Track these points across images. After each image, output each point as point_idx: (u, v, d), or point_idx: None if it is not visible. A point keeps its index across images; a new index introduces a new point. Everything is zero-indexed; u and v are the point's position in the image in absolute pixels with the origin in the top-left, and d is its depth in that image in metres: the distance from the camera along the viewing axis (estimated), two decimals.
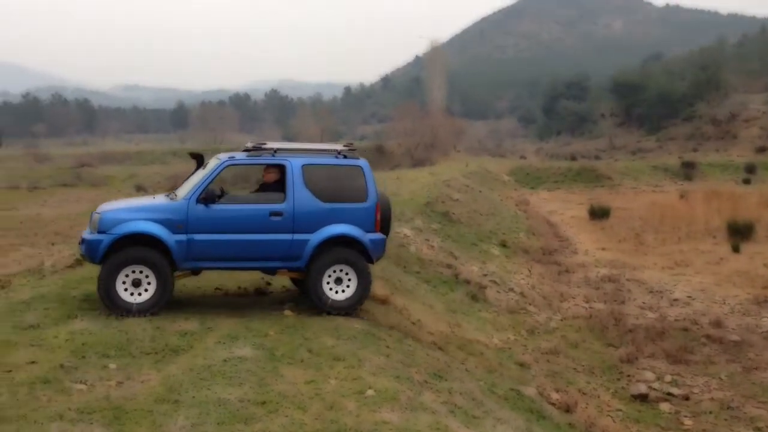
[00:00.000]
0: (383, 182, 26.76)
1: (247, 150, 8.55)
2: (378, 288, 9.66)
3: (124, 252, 7.72)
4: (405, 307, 10.04)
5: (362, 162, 8.58)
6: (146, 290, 7.78)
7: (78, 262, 10.53)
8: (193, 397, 5.37)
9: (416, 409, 5.68)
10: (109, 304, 7.66)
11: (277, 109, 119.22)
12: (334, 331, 7.57)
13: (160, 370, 5.99)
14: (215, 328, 7.39)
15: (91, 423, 4.73)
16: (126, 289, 7.71)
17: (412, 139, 53.41)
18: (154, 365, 6.14)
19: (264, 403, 5.35)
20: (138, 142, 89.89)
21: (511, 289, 14.04)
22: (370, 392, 5.86)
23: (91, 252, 7.79)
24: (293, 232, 8.17)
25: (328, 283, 8.31)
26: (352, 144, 9.05)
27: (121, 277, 7.69)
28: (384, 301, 9.61)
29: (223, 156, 8.50)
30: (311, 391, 5.75)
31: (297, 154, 8.54)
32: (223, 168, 8.23)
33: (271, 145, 8.62)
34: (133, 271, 7.73)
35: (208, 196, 7.95)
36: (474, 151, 63.83)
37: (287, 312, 8.24)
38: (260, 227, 8.11)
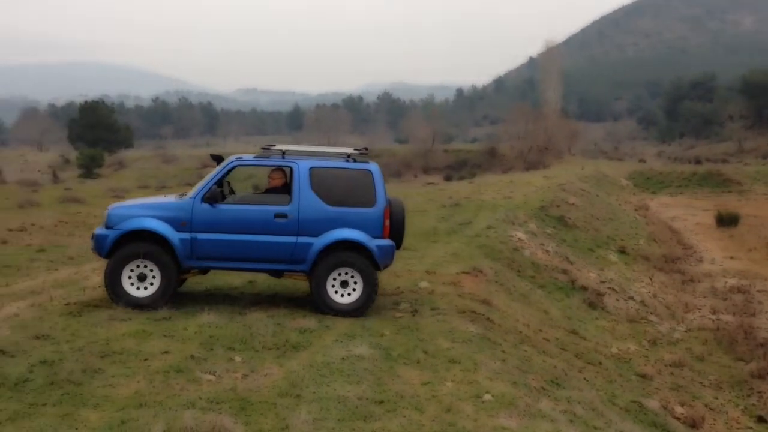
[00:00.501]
0: (496, 186, 26.57)
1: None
2: (480, 289, 9.59)
3: (129, 247, 7.91)
4: (519, 312, 9.90)
5: (372, 166, 8.36)
6: (151, 284, 7.95)
7: None
8: (314, 392, 5.52)
9: (535, 417, 5.59)
10: (113, 297, 7.91)
11: (389, 112, 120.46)
12: (448, 333, 7.57)
13: (282, 365, 6.20)
14: (332, 326, 7.57)
15: (220, 412, 4.96)
16: (132, 284, 7.91)
17: (525, 141, 52.61)
18: (276, 360, 6.36)
19: (382, 402, 5.43)
20: (256, 144, 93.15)
21: (631, 298, 13.56)
22: (487, 396, 5.82)
23: (98, 246, 8.05)
24: (297, 234, 8.08)
25: (333, 286, 8.14)
26: (366, 148, 8.89)
27: (126, 272, 7.90)
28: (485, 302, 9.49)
29: (233, 157, 8.55)
30: (428, 392, 5.78)
31: (305, 156, 8.47)
32: (230, 168, 8.31)
33: (281, 147, 8.59)
34: (138, 266, 7.93)
35: (212, 195, 8.02)
36: (590, 154, 62.09)
37: (400, 313, 8.32)
38: (264, 229, 8.06)
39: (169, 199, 8.56)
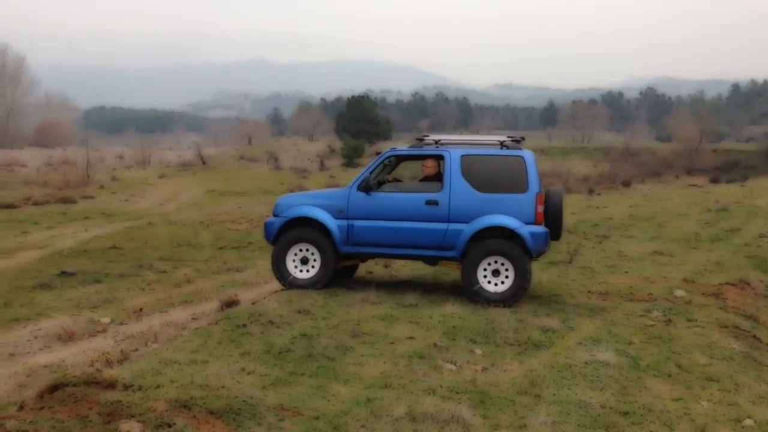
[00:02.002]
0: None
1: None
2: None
3: (293, 232, 8.58)
4: None
5: (525, 153, 8.26)
6: (313, 267, 8.48)
7: None
8: (554, 394, 5.39)
9: None
10: (279, 276, 8.67)
11: (652, 108, 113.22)
12: (706, 348, 6.94)
13: (522, 362, 6.14)
14: (576, 328, 7.34)
15: (459, 402, 5.04)
16: (296, 266, 8.61)
17: None
18: (517, 357, 6.32)
19: (627, 413, 5.14)
20: None
21: None
22: (748, 422, 5.24)
23: (267, 233, 8.78)
24: (448, 221, 8.16)
25: (485, 276, 8.09)
26: (522, 137, 8.82)
27: (291, 255, 8.59)
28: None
29: (389, 148, 8.86)
30: (679, 409, 5.35)
31: (458, 145, 8.56)
32: (385, 158, 8.68)
33: (434, 137, 8.74)
34: (301, 250, 8.58)
35: (367, 184, 8.37)
36: None
37: (652, 321, 7.81)
38: (416, 215, 8.24)
39: (335, 189, 9.16)
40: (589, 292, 9.37)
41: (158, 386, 4.86)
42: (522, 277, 8.02)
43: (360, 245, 8.47)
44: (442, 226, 8.20)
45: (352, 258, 8.98)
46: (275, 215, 8.86)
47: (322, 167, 46.39)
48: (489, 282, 8.12)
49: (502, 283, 8.10)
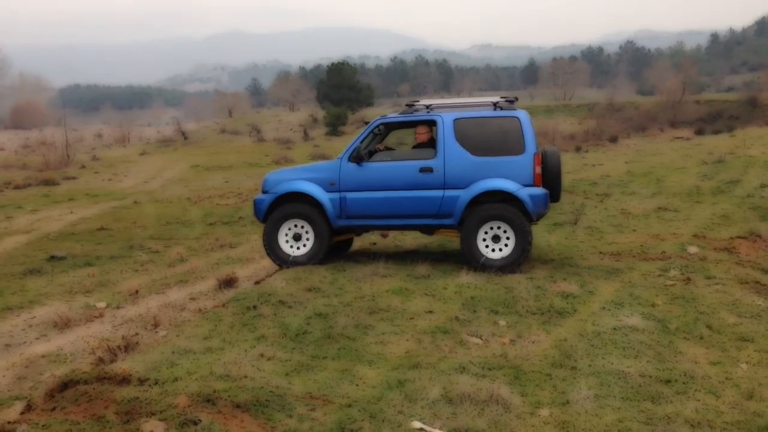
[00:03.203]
0: (764, 139, 23.61)
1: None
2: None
3: (284, 208, 8.26)
4: None
5: (520, 113, 7.98)
6: (305, 245, 8.21)
7: None
8: (590, 365, 5.14)
9: None
10: (272, 256, 8.32)
11: (632, 62, 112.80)
12: (732, 306, 6.73)
13: (549, 332, 5.89)
14: (596, 291, 7.10)
15: (495, 380, 4.78)
16: (287, 242, 8.30)
17: None
18: (542, 326, 6.07)
19: (668, 381, 4.90)
20: None
21: None
22: None
23: (257, 211, 8.47)
24: (444, 188, 7.90)
25: (484, 240, 7.85)
26: (515, 98, 8.43)
27: (282, 232, 8.30)
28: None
29: (379, 117, 8.48)
30: (720, 374, 5.12)
31: (451, 109, 8.23)
32: (375, 127, 8.35)
33: (424, 102, 8.44)
34: (295, 226, 8.29)
35: (358, 154, 8.05)
36: None
37: (671, 281, 7.59)
38: (410, 184, 7.95)
39: (324, 162, 8.84)
40: (601, 253, 9.14)
41: (176, 379, 4.55)
42: (523, 241, 7.77)
43: (354, 218, 8.19)
44: (438, 193, 7.93)
45: (346, 232, 8.68)
46: (264, 191, 8.53)
47: (306, 137, 45.78)
48: (488, 247, 7.87)
49: (501, 250, 7.86)
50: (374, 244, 10.18)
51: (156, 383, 4.48)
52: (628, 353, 5.42)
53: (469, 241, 7.86)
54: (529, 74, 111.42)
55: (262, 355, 5.14)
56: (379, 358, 5.27)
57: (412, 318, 6.18)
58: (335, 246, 8.73)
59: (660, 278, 7.73)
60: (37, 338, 8.76)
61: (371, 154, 8.35)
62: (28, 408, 4.52)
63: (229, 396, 4.21)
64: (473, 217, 7.83)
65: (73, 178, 26.49)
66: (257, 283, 7.72)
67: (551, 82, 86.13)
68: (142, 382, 4.49)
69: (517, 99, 8.51)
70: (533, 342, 5.64)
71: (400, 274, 7.57)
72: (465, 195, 7.84)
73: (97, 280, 11.55)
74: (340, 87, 61.95)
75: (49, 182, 24.65)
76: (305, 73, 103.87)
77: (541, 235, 10.59)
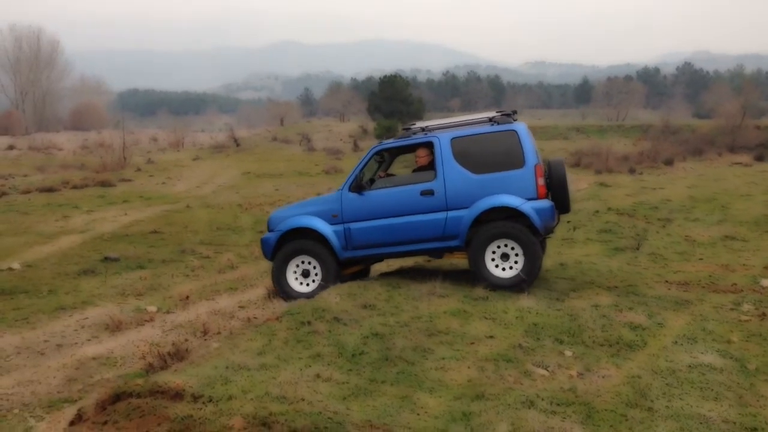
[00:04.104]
0: None
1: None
2: None
3: (289, 245, 8.15)
4: None
5: (517, 126, 7.75)
6: (313, 281, 8.01)
7: None
8: (667, 406, 4.78)
9: None
10: (283, 295, 8.13)
11: (689, 84, 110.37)
12: None
13: (619, 367, 5.54)
14: (665, 324, 6.72)
15: (565, 418, 4.47)
16: (297, 279, 8.18)
17: None
18: (611, 359, 5.72)
19: (755, 430, 4.52)
20: (541, 117, 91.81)
21: None
22: None
23: (264, 251, 8.39)
24: (447, 209, 7.71)
25: (493, 260, 7.60)
26: (514, 111, 8.32)
27: (291, 269, 8.18)
28: None
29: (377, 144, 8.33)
30: None
31: (446, 129, 8.08)
32: (372, 155, 8.22)
33: (420, 124, 8.32)
34: (303, 262, 8.16)
35: (358, 184, 7.94)
36: None
37: (746, 316, 7.15)
38: (413, 208, 7.80)
39: (327, 194, 8.71)
40: (667, 281, 8.74)
41: (230, 397, 4.36)
42: (533, 257, 7.51)
43: (359, 248, 8.03)
44: (441, 215, 7.74)
45: (355, 264, 8.52)
46: (270, 230, 8.49)
47: (356, 147, 45.81)
48: (497, 266, 7.63)
49: (511, 268, 7.62)
50: (429, 260, 9.92)
51: (210, 401, 4.30)
52: (707, 395, 5.04)
53: (477, 262, 7.64)
54: (582, 93, 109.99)
55: (318, 376, 4.92)
56: (440, 385, 5.01)
57: (472, 343, 5.89)
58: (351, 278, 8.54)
59: (733, 312, 7.30)
60: (89, 340, 8.75)
61: (373, 182, 8.24)
62: (79, 418, 4.40)
63: (286, 420, 4.00)
64: (479, 236, 7.62)
65: (129, 180, 26.91)
66: (310, 297, 7.54)
67: (605, 101, 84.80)
68: (195, 398, 4.31)
69: (515, 112, 8.37)
70: (603, 377, 5.30)
71: (458, 295, 7.30)
72: (468, 215, 7.65)
73: (149, 284, 11.57)
74: (391, 99, 62.01)
75: (105, 183, 25.09)
76: (357, 85, 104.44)
77: (602, 259, 10.22)
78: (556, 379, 5.21)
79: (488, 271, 7.60)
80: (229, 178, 28.80)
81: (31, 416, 6.04)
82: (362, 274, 9.04)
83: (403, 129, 8.46)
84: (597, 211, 14.80)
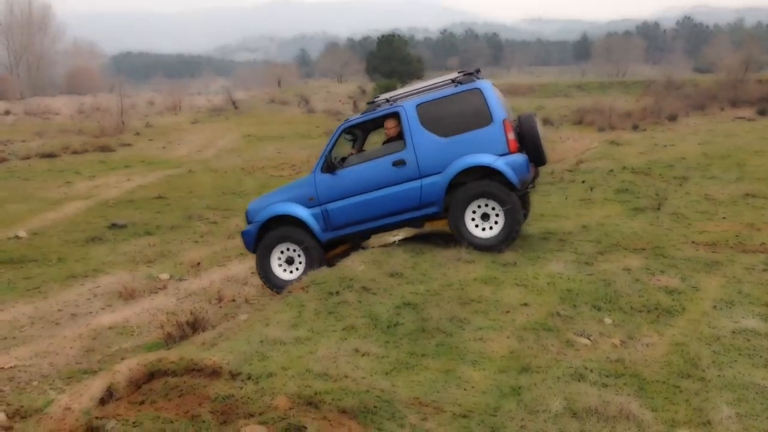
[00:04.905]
0: None
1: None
2: None
3: (270, 235, 8.01)
4: None
5: (481, 83, 7.61)
6: (297, 268, 7.88)
7: None
8: (719, 376, 4.60)
9: None
10: (269, 285, 8.07)
11: (689, 39, 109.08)
12: None
13: (662, 334, 5.36)
14: (700, 287, 6.54)
15: (618, 391, 4.28)
16: (281, 267, 8.03)
17: None
18: (651, 325, 5.54)
19: None
20: (540, 75, 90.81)
21: None
22: None
23: (246, 243, 8.27)
24: (421, 177, 7.57)
25: (473, 220, 7.49)
26: (477, 70, 8.14)
27: (275, 258, 8.02)
28: None
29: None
30: None
31: (410, 97, 7.96)
32: (340, 133, 8.08)
33: (384, 96, 8.25)
34: (287, 249, 8.00)
35: (329, 164, 7.82)
36: None
37: None
38: (386, 181, 7.65)
39: (302, 177, 8.49)
40: (693, 242, 8.54)
41: (270, 374, 4.16)
42: (513, 213, 7.39)
43: (339, 228, 7.92)
44: (416, 184, 7.60)
45: (338, 244, 8.40)
46: (249, 222, 8.33)
47: (356, 108, 45.30)
48: (477, 227, 7.52)
49: (491, 228, 7.51)
50: None
51: (249, 378, 4.11)
52: (757, 362, 4.87)
53: (459, 226, 7.51)
54: (582, 49, 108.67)
55: (356, 350, 4.73)
56: (482, 357, 4.82)
57: (508, 311, 5.70)
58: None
59: (766, 273, 7.12)
60: (103, 308, 8.60)
61: (344, 160, 8.06)
62: (110, 395, 4.21)
63: (333, 399, 3.81)
64: (455, 199, 7.50)
65: (128, 144, 26.57)
66: (335, 265, 7.34)
67: (604, 57, 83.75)
68: (234, 376, 4.12)
69: (479, 71, 8.17)
70: (647, 345, 5.12)
71: (485, 260, 7.09)
72: (442, 180, 7.51)
73: (158, 251, 11.38)
74: (390, 59, 61.21)
75: (105, 148, 24.77)
76: (353, 45, 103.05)
77: (624, 220, 10.01)
78: (599, 349, 5.04)
79: (470, 233, 7.51)
80: (230, 141, 28.44)
81: (51, 388, 5.89)
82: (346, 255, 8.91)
83: (368, 103, 8.37)
84: (611, 170, 14.55)
